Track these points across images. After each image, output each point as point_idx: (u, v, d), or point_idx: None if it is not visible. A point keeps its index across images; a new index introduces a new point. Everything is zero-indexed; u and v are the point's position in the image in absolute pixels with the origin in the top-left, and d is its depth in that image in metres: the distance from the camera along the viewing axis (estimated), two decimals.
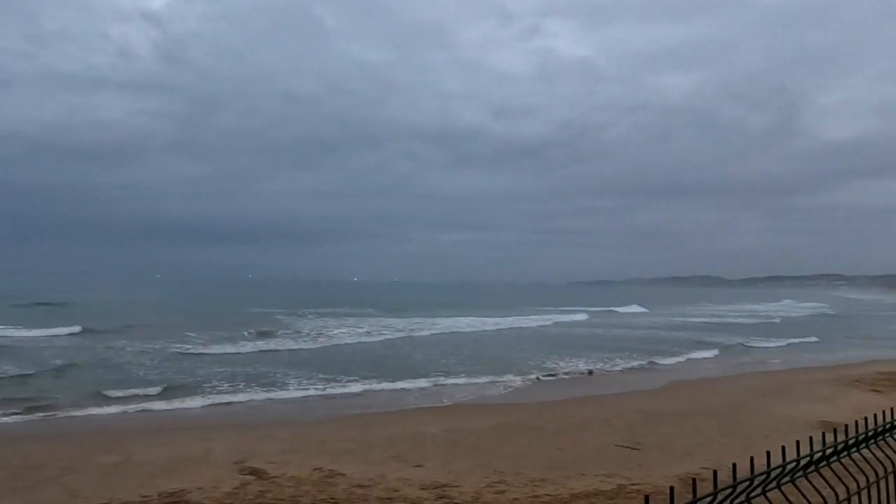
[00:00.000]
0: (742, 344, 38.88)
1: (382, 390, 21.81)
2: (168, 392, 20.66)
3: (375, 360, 29.40)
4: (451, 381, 23.61)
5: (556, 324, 57.55)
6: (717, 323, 60.14)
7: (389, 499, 9.91)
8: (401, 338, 41.25)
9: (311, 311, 66.37)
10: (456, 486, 10.47)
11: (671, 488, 1.27)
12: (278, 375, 24.21)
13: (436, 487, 10.47)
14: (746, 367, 28.30)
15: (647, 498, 1.19)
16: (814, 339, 42.76)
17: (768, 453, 1.61)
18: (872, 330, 54.14)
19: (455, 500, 9.79)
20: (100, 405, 18.69)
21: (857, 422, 1.89)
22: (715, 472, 1.42)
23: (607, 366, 28.32)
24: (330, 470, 11.47)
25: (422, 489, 10.43)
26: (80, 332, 38.84)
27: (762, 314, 75.77)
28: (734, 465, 1.41)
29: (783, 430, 13.97)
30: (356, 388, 22.07)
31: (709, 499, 1.25)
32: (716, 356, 33.07)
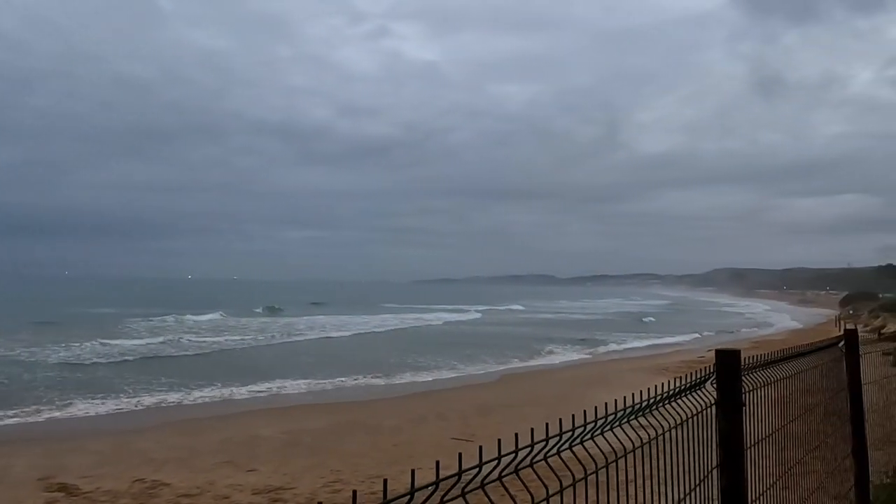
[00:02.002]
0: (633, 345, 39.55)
1: (224, 396, 20.55)
2: None
3: (229, 365, 27.77)
4: (304, 382, 22.91)
5: (447, 322, 57.86)
6: (595, 320, 64.07)
7: None
8: (265, 341, 39.36)
9: (142, 310, 61.59)
10: (291, 489, 10.28)
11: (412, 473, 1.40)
12: (115, 381, 22.32)
13: (269, 491, 10.21)
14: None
15: (354, 493, 1.30)
16: (695, 335, 45.10)
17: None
18: (727, 323, 60.42)
19: (289, 503, 9.62)
20: None
21: (613, 401, 2.17)
22: (483, 451, 1.58)
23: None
24: (152, 480, 10.76)
25: (254, 494, 10.13)
26: None
27: (633, 312, 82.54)
28: (499, 441, 1.57)
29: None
30: (199, 393, 20.68)
31: (474, 470, 1.41)
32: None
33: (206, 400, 19.88)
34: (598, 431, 2.03)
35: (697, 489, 2.86)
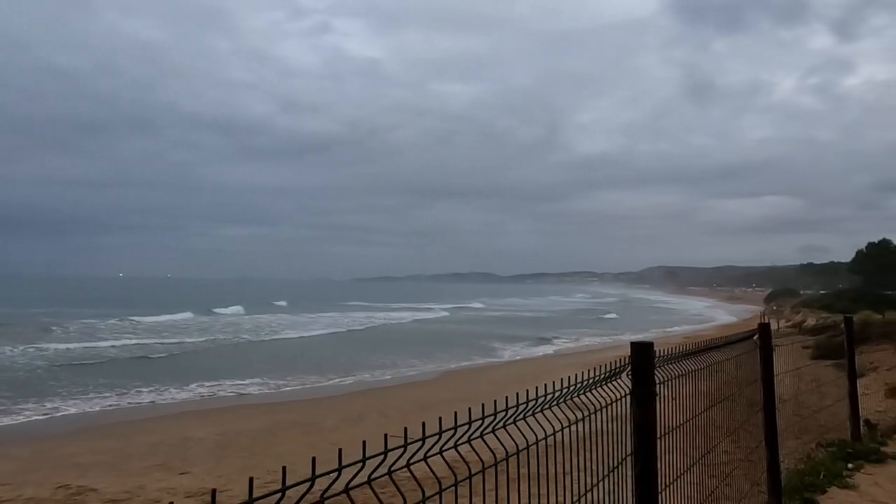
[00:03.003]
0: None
1: (161, 398, 19.67)
2: None
3: (176, 367, 26.54)
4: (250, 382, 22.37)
5: (415, 321, 57.88)
6: (558, 318, 65.37)
7: None
8: (236, 340, 38.24)
9: (78, 311, 59.16)
10: (225, 491, 10.04)
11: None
12: (49, 385, 21.28)
13: (203, 494, 9.96)
14: None
15: (213, 491, 1.31)
16: (658, 331, 46.33)
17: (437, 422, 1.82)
18: (676, 319, 62.86)
19: None
20: None
21: (511, 395, 2.21)
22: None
23: None
24: (79, 486, 10.34)
25: (187, 497, 9.85)
26: None
27: (591, 309, 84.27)
28: (405, 429, 1.59)
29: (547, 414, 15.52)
30: (135, 395, 19.79)
31: (358, 465, 1.43)
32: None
33: (142, 402, 19.16)
34: (511, 420, 2.08)
35: (612, 475, 2.95)
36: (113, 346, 33.96)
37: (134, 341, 36.35)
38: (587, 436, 2.94)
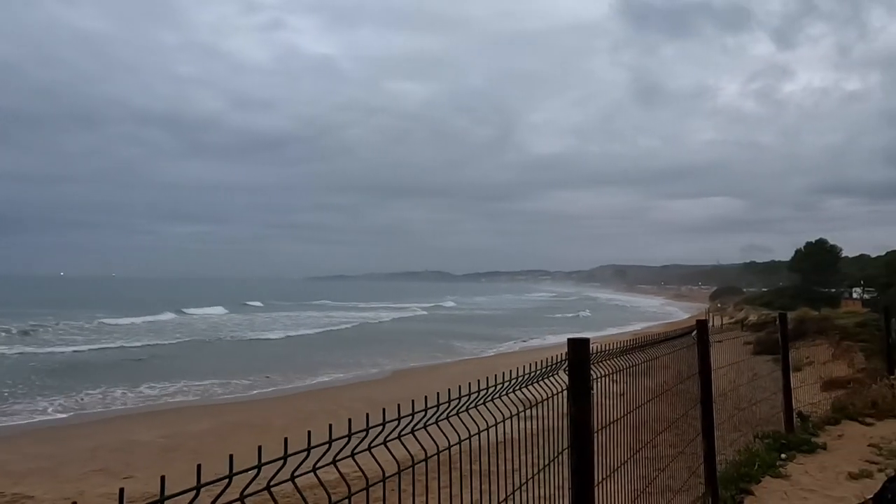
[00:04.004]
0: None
1: (105, 401, 19.10)
2: None
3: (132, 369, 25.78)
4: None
5: (395, 320, 58.44)
6: (533, 315, 67.14)
7: None
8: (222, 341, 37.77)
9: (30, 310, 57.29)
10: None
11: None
12: None
13: (147, 499, 9.67)
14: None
15: (121, 490, 1.31)
16: (633, 327, 47.71)
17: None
18: (642, 316, 65.42)
19: None
20: None
21: (433, 395, 2.24)
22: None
23: None
24: (13, 494, 9.96)
25: (130, 502, 9.57)
26: None
27: (562, 307, 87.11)
28: (329, 426, 1.60)
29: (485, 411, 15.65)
30: (77, 398, 19.14)
31: (254, 471, 1.45)
32: None
33: (85, 405, 18.56)
34: (444, 416, 2.11)
35: (548, 468, 3.02)
36: (76, 351, 32.46)
37: (93, 346, 34.60)
38: (539, 432, 3.01)
